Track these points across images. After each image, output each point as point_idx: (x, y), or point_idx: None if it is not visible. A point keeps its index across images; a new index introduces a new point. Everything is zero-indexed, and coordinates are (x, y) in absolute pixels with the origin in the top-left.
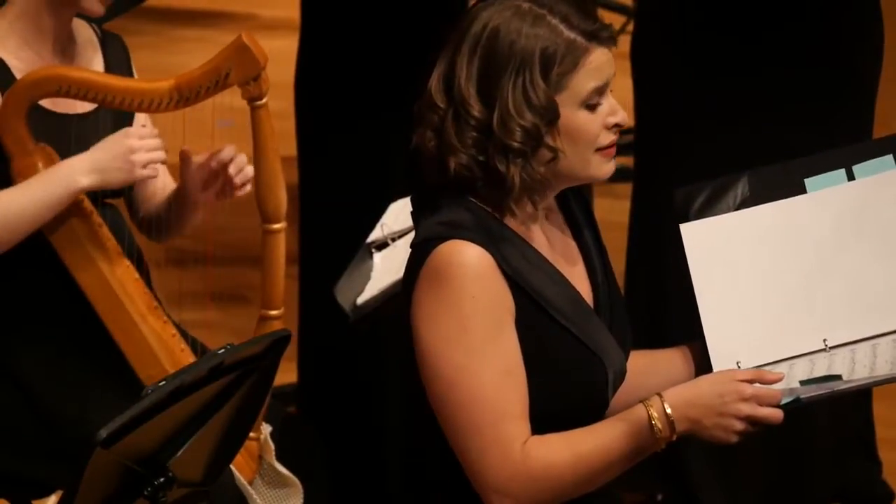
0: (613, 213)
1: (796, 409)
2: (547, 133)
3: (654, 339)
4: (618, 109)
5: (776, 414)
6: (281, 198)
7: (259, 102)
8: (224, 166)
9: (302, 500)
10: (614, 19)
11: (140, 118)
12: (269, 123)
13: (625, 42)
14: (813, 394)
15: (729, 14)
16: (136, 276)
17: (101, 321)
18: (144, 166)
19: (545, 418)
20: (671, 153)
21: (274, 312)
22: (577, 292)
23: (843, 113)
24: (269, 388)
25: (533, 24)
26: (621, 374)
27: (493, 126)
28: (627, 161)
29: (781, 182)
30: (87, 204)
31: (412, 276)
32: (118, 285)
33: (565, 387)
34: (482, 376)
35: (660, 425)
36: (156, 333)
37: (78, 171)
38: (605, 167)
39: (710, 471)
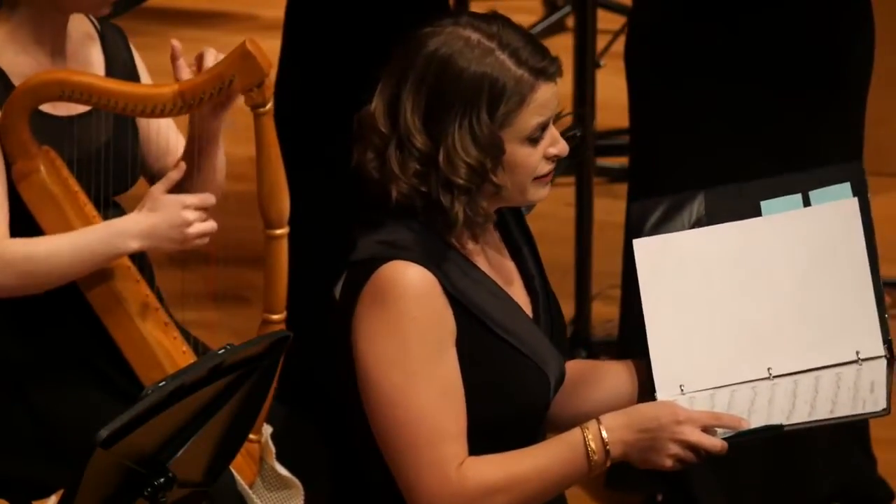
0: (613, 214)
1: (738, 442)
2: (492, 169)
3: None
4: (558, 140)
5: (718, 442)
6: (284, 203)
7: (263, 109)
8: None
9: (303, 502)
10: (614, 19)
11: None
12: (273, 129)
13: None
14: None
15: (724, 17)
16: (138, 277)
17: (101, 322)
18: (197, 237)
19: (489, 427)
20: (665, 154)
21: (276, 317)
22: (517, 304)
23: (835, 116)
24: (270, 389)
25: (481, 59)
26: (561, 379)
27: (437, 160)
28: (627, 161)
29: (737, 203)
30: (90, 209)
31: (353, 293)
32: (119, 287)
33: (509, 396)
34: (421, 397)
35: (594, 446)
36: (156, 335)
37: (131, 236)
38: (541, 192)
39: (710, 471)
